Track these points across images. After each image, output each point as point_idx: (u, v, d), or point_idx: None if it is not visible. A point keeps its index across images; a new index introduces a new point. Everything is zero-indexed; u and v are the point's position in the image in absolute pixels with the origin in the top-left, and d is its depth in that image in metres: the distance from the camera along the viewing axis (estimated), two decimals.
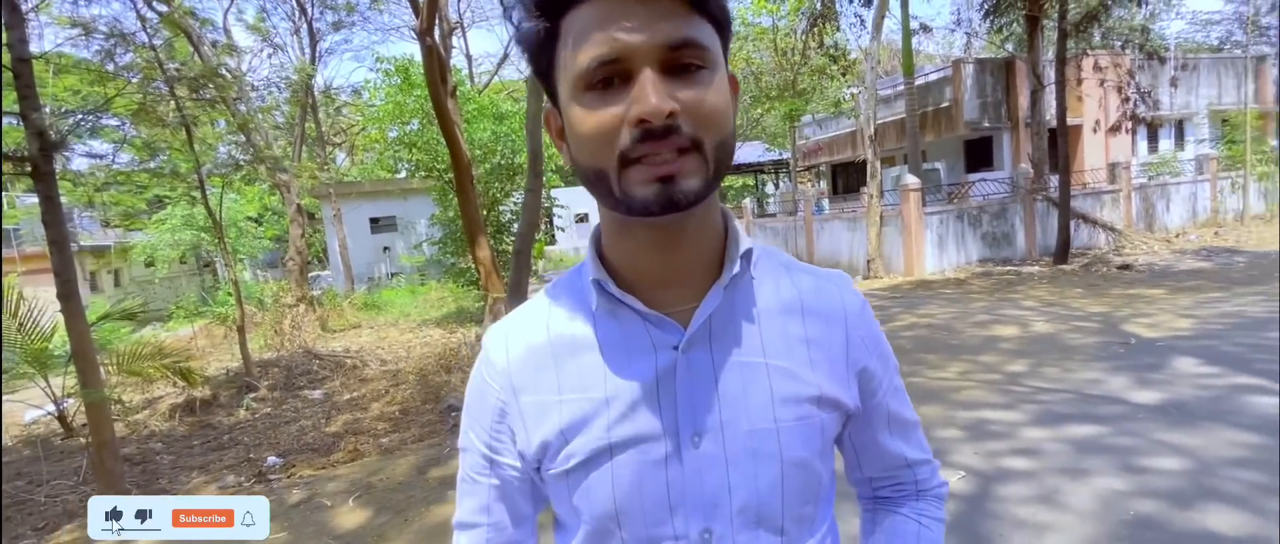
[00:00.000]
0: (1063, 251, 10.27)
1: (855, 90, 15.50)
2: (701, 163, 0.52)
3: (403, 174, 14.50)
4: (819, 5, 14.09)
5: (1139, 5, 10.61)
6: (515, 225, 11.23)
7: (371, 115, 12.09)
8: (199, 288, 19.49)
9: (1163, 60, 11.98)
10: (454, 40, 11.57)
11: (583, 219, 26.82)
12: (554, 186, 14.04)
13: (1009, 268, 10.40)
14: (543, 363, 0.62)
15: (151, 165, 9.13)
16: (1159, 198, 12.96)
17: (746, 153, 21.38)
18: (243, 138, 9.76)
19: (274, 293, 11.67)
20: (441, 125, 7.50)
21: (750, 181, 27.38)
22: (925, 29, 15.03)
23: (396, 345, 9.56)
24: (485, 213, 10.04)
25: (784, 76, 16.41)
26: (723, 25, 0.55)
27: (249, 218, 18.95)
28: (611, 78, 0.51)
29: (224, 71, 8.88)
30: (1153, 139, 16.85)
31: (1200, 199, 13.39)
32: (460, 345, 7.58)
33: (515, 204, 11.62)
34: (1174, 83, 12.72)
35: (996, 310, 7.24)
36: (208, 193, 8.02)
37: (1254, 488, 2.70)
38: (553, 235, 22.87)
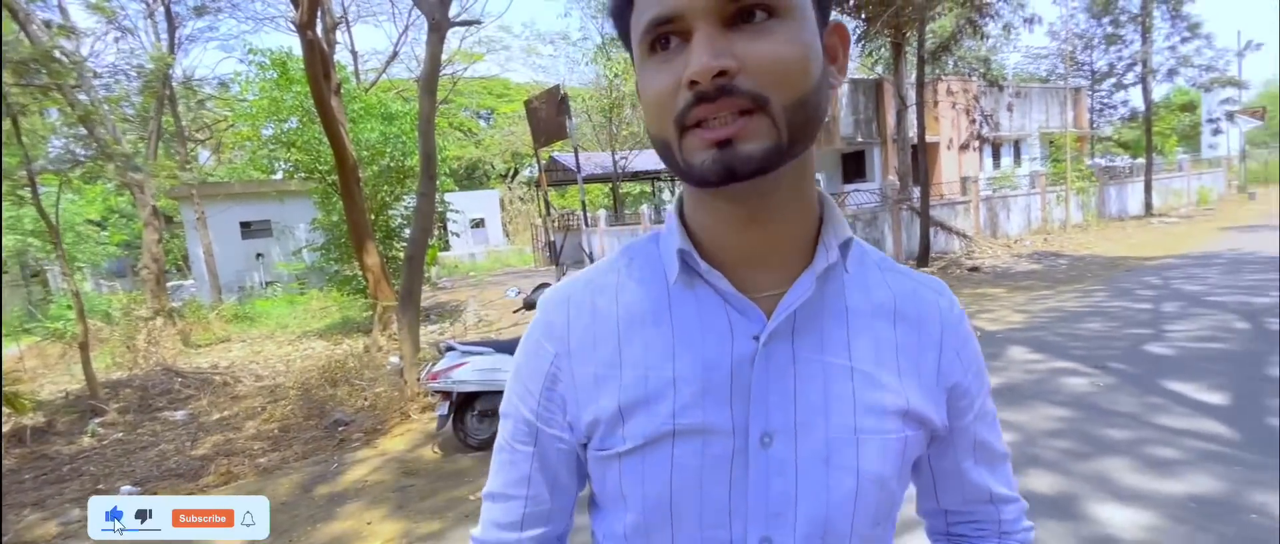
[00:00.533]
0: (924, 255, 11.42)
1: None
2: (768, 125, 0.46)
3: (279, 175, 13.40)
4: None
5: (982, 39, 12.05)
6: (406, 231, 10.77)
7: (243, 111, 11.09)
8: (25, 301, 16.90)
9: (1001, 88, 13.68)
10: (338, 35, 10.92)
11: (479, 224, 26.10)
12: (448, 190, 13.58)
13: None
14: (607, 332, 0.57)
15: None
16: (1001, 208, 14.75)
17: (644, 160, 21.83)
18: (84, 131, 8.66)
19: (124, 305, 10.40)
20: (325, 125, 7.09)
21: (648, 188, 27.92)
22: None
23: (273, 359, 8.86)
24: (373, 217, 9.56)
25: None
26: None
27: (90, 221, 16.72)
28: (669, 38, 0.48)
29: (59, 55, 7.84)
30: (996, 156, 19.16)
31: (1033, 210, 15.39)
32: (347, 357, 7.16)
33: (406, 208, 11.14)
34: (1010, 108, 14.56)
35: None
36: (39, 192, 7.05)
37: (1064, 454, 3.21)
38: (447, 241, 22.08)
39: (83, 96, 9.12)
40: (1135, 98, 19.61)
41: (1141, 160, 18.80)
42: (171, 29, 12.65)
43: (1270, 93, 57.61)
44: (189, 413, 6.38)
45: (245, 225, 17.31)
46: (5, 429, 5.78)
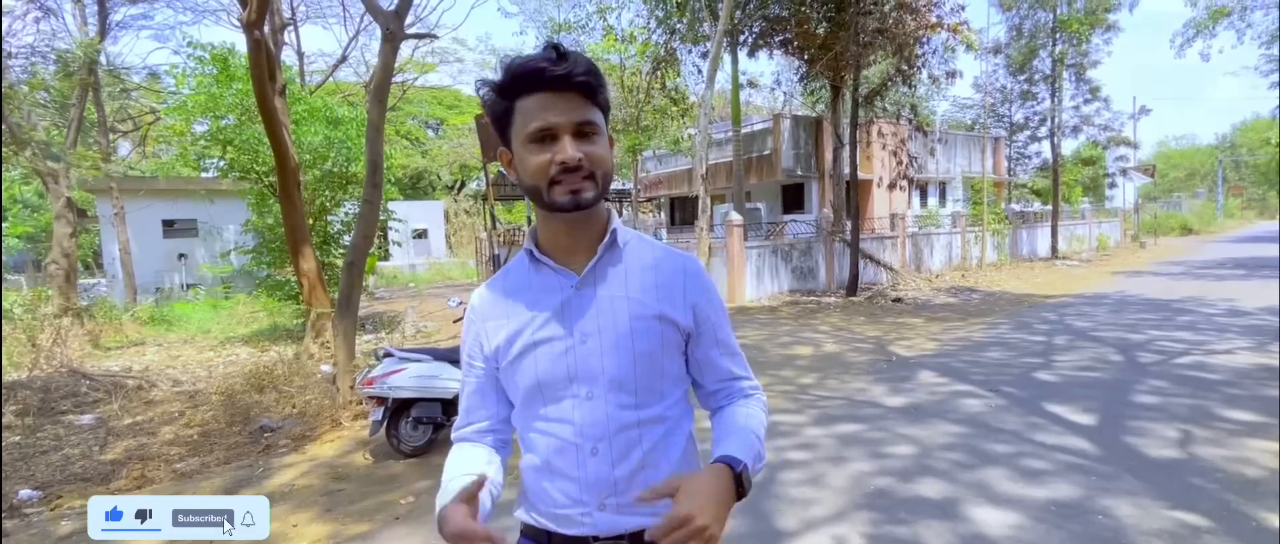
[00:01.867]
0: (853, 285, 12.07)
1: (692, 132, 16.89)
2: (594, 185, 0.93)
3: (211, 173, 12.84)
4: (662, 51, 15.26)
5: (911, 88, 13.00)
6: (345, 237, 10.55)
7: (176, 105, 10.65)
8: None
9: (927, 133, 14.70)
10: (285, 35, 10.71)
11: (422, 235, 25.59)
12: (392, 199, 13.38)
13: (811, 298, 11.96)
14: (498, 301, 1.04)
15: None
16: (925, 245, 15.75)
17: None
18: None
19: (26, 302, 9.70)
20: (267, 125, 6.96)
21: None
22: (752, 84, 16.90)
23: (194, 365, 8.47)
24: (311, 222, 9.34)
25: (629, 112, 17.37)
26: (605, 110, 0.97)
27: None
28: (546, 137, 0.91)
29: None
30: (924, 196, 20.44)
31: (954, 247, 16.50)
32: (275, 364, 6.96)
33: (346, 215, 10.91)
34: (932, 152, 15.62)
35: (798, 333, 8.36)
36: None
37: (953, 464, 3.57)
38: (387, 250, 21.55)
39: None
40: (1047, 150, 21.40)
41: (1050, 207, 20.47)
42: (103, 13, 12.04)
43: (1161, 152, 63.45)
44: (97, 417, 6.06)
45: (168, 224, 16.43)
46: None
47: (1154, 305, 9.28)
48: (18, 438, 5.47)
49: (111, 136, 16.22)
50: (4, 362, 7.82)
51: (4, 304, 10.05)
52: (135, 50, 41.43)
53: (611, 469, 0.97)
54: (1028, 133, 22.93)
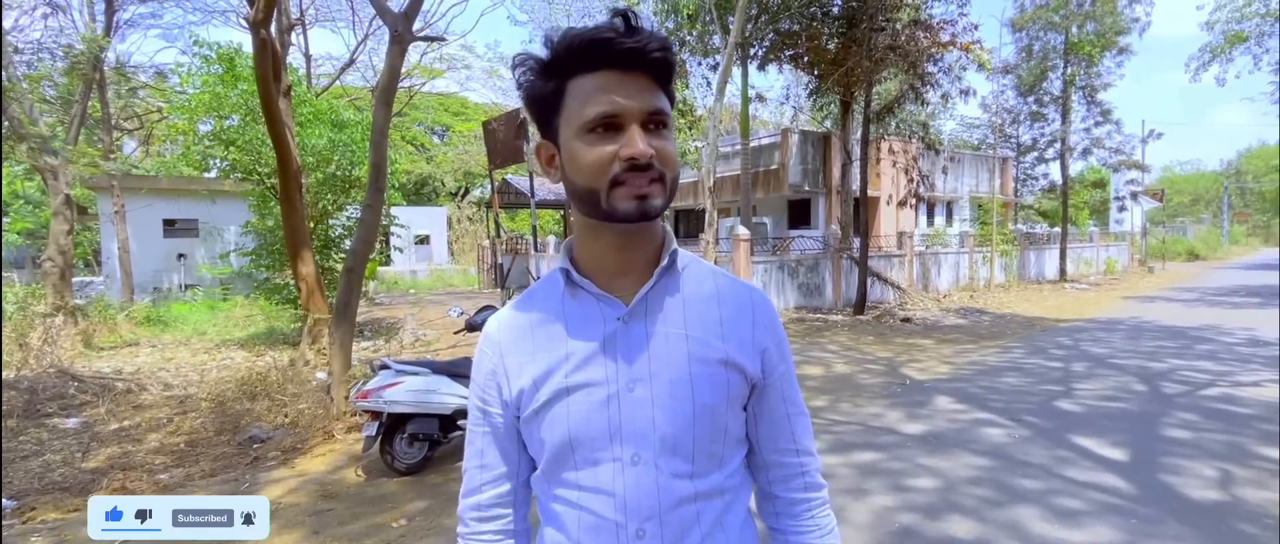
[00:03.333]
0: (861, 304, 11.86)
1: (700, 145, 16.77)
2: (664, 189, 0.74)
3: (213, 173, 12.72)
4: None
5: (922, 105, 12.87)
6: (346, 241, 10.39)
7: (181, 104, 10.53)
8: None
9: (937, 151, 14.57)
10: (292, 37, 10.62)
11: (424, 241, 25.46)
12: (395, 204, 13.25)
13: (818, 315, 11.76)
14: (523, 332, 0.83)
15: None
16: (933, 264, 15.56)
17: None
18: None
19: (20, 298, 9.53)
20: (270, 126, 6.83)
21: None
22: (761, 98, 16.80)
23: (186, 368, 8.28)
24: (312, 226, 9.18)
25: None
26: (673, 100, 0.79)
27: None
28: (609, 126, 0.72)
29: None
30: (931, 215, 20.28)
31: (961, 267, 16.31)
32: (269, 370, 6.76)
33: (348, 219, 10.76)
34: (944, 170, 15.48)
35: (806, 352, 8.15)
36: None
37: (981, 501, 3.36)
38: (388, 256, 21.40)
39: None
40: (1055, 171, 21.26)
41: (1058, 229, 20.28)
42: (110, 11, 11.97)
43: (1168, 177, 63.48)
44: (83, 421, 5.86)
45: (169, 223, 16.29)
46: None
47: (1171, 333, 9.06)
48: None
49: (117, 135, 16.15)
50: (3, 362, 7.64)
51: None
52: (143, 49, 41.60)
53: None
54: (1035, 154, 22.82)
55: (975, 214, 21.05)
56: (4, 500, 3.96)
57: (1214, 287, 16.49)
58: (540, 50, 0.76)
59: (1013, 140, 23.00)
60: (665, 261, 0.80)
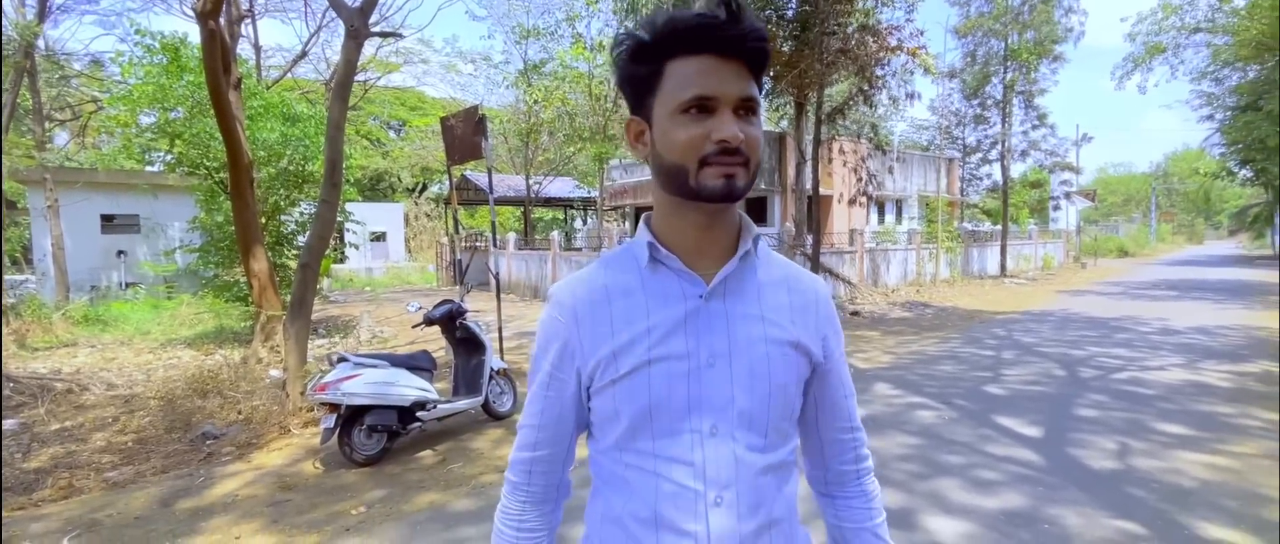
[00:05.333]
0: None
1: None
2: (748, 173, 0.78)
3: (157, 167, 12.27)
4: None
5: (871, 107, 13.39)
6: (299, 238, 10.21)
7: (122, 94, 10.15)
8: None
9: (885, 152, 15.16)
10: (242, 27, 10.35)
11: (380, 237, 24.98)
12: (351, 199, 13.03)
13: None
14: (600, 303, 0.85)
15: None
16: (882, 260, 16.18)
17: (557, 187, 21.96)
18: None
19: None
20: (220, 120, 6.71)
21: (560, 215, 27.99)
22: None
23: (130, 367, 8.04)
24: (264, 222, 9.01)
25: (596, 120, 17.37)
26: (763, 89, 0.83)
27: None
28: (703, 108, 0.76)
29: None
30: (882, 213, 21.03)
31: (909, 263, 17.00)
32: (221, 367, 6.66)
33: (302, 215, 10.57)
34: (890, 170, 16.10)
35: None
36: None
37: (909, 475, 3.65)
38: (343, 253, 20.93)
39: None
40: (998, 172, 22.31)
41: (1000, 227, 21.32)
42: None
43: (1101, 178, 66.89)
44: (21, 422, 5.68)
45: (107, 219, 15.60)
46: None
47: (1095, 323, 9.73)
48: None
49: (48, 125, 15.35)
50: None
51: None
52: (78, 36, 39.41)
53: (738, 523, 0.81)
54: (980, 155, 23.88)
55: (923, 212, 21.93)
56: None
57: (1138, 281, 17.64)
58: (641, 31, 0.79)
59: (959, 142, 24.03)
60: (748, 246, 0.84)
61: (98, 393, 6.66)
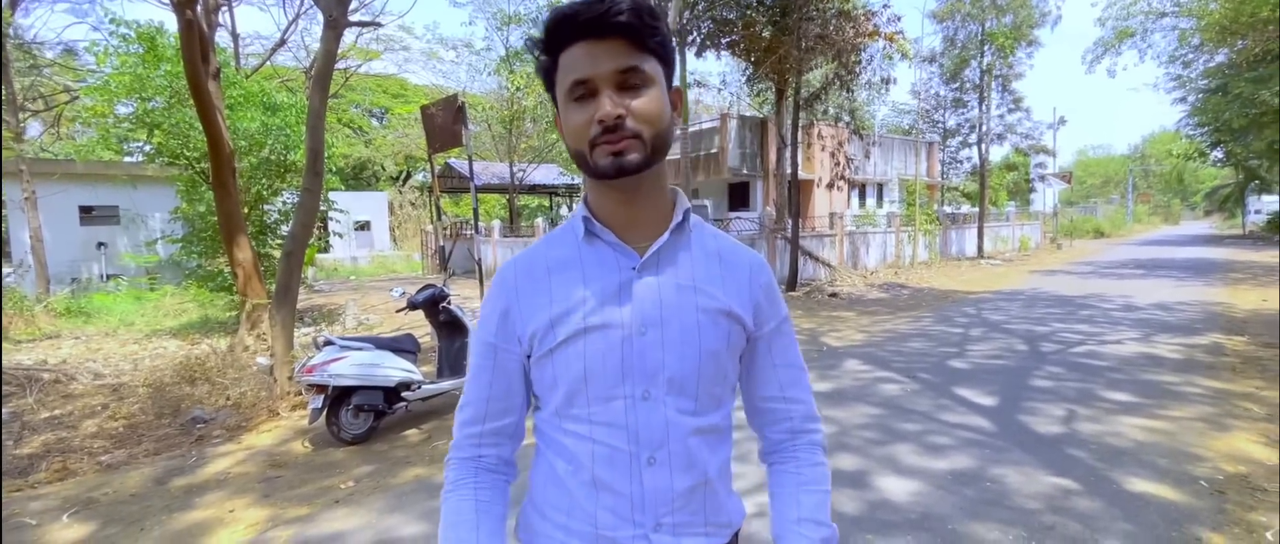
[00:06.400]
0: (793, 281, 12.55)
1: None
2: (641, 147, 0.79)
3: (136, 158, 12.18)
4: None
5: (848, 93, 13.60)
6: (282, 227, 10.24)
7: (98, 84, 10.07)
8: None
9: (863, 136, 15.39)
10: (219, 15, 10.28)
11: (364, 226, 24.88)
12: (334, 189, 13.03)
13: None
14: (540, 276, 0.89)
15: None
16: (862, 243, 16.48)
17: (541, 174, 21.99)
18: None
19: None
20: (200, 110, 6.74)
21: (545, 202, 28.02)
22: (701, 84, 17.26)
23: (116, 358, 8.10)
24: (247, 211, 9.04)
25: None
26: (664, 58, 0.83)
27: None
28: (584, 93, 0.79)
29: None
30: (862, 196, 21.33)
31: (889, 246, 17.33)
32: (208, 355, 6.76)
33: (284, 204, 10.59)
34: (867, 154, 16.35)
35: None
36: None
37: (867, 441, 3.89)
38: (327, 242, 20.86)
39: None
40: (977, 155, 22.69)
41: (979, 209, 21.73)
42: None
43: (1081, 160, 67.80)
44: (10, 412, 5.77)
45: (86, 210, 15.46)
46: None
47: (1061, 301, 10.07)
48: None
49: (22, 116, 15.12)
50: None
51: None
52: (49, 25, 38.43)
53: (671, 481, 0.86)
54: (959, 139, 24.23)
55: (903, 196, 22.27)
56: None
57: (1108, 261, 18.12)
58: (540, 28, 0.83)
59: (939, 126, 24.35)
60: (679, 219, 0.88)
61: (85, 382, 6.74)
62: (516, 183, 20.17)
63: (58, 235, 14.67)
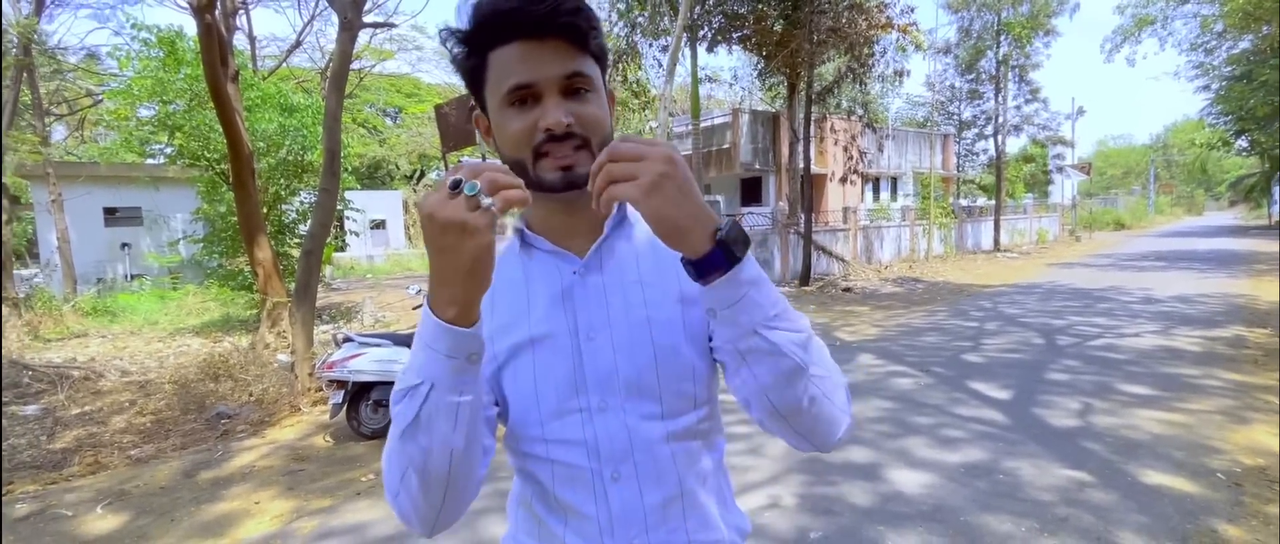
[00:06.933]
0: (805, 276, 12.53)
1: (653, 125, 17.12)
2: (589, 156, 0.73)
3: (158, 160, 12.42)
4: (624, 44, 15.42)
5: (861, 86, 13.52)
6: (300, 227, 10.41)
7: (121, 88, 10.29)
8: None
9: (876, 129, 15.29)
10: (237, 19, 10.46)
11: (380, 225, 25.16)
12: (349, 188, 13.21)
13: None
14: (487, 295, 0.78)
15: None
16: (876, 237, 16.39)
17: None
18: None
19: None
20: (220, 113, 6.88)
21: None
22: (712, 79, 17.22)
23: (142, 355, 8.31)
24: (265, 211, 9.21)
25: None
26: (601, 59, 0.77)
27: None
28: (526, 97, 0.72)
29: None
30: (876, 190, 21.19)
31: (903, 240, 17.21)
32: (230, 353, 6.92)
33: (302, 204, 10.77)
34: (880, 147, 16.24)
35: None
36: None
37: (879, 434, 3.91)
38: (344, 241, 21.13)
39: None
40: (993, 147, 22.43)
41: (995, 202, 21.49)
42: None
43: (1101, 151, 66.64)
44: (43, 407, 5.95)
45: (110, 212, 15.80)
46: None
47: (1079, 294, 9.96)
48: None
49: (48, 120, 15.49)
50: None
51: None
52: (73, 30, 39.25)
53: (640, 497, 0.77)
54: (975, 130, 23.97)
55: (918, 189, 22.10)
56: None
57: (1128, 252, 17.84)
58: (461, 21, 0.74)
59: (955, 118, 24.10)
60: (617, 216, 0.81)
61: (113, 380, 6.93)
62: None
63: (83, 237, 15.02)
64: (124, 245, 15.81)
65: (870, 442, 3.78)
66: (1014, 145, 25.60)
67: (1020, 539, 2.65)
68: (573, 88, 0.73)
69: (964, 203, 22.11)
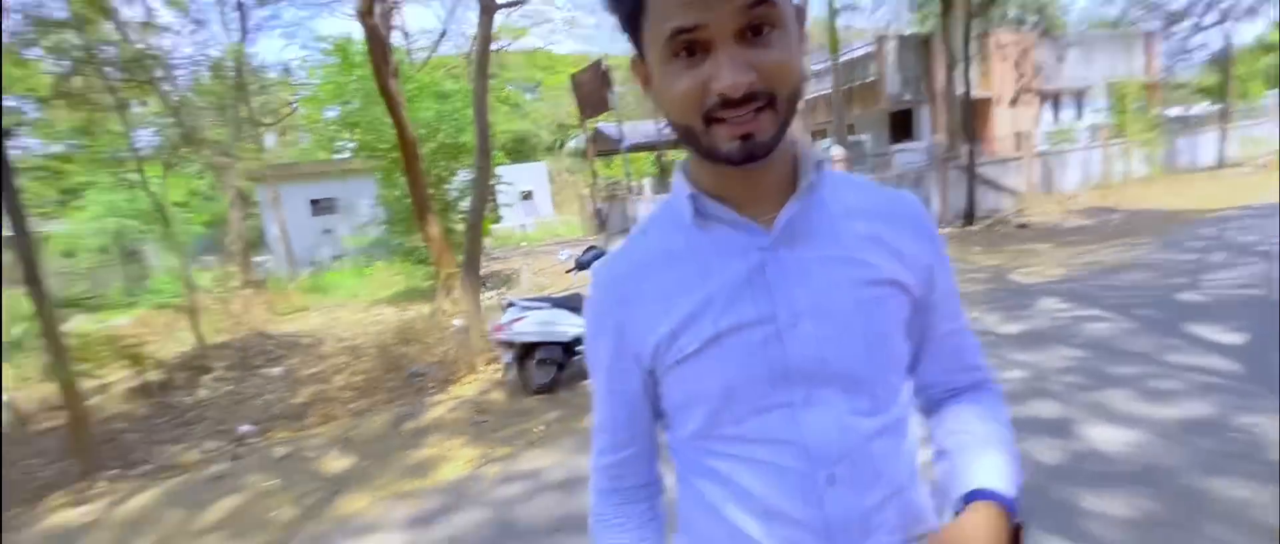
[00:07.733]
0: (970, 214, 11.34)
1: None
2: (774, 117, 0.60)
3: (345, 155, 14.29)
4: None
5: None
6: (461, 204, 11.43)
7: (309, 95, 11.91)
8: (124, 277, 18.64)
9: (1056, 38, 13.15)
10: (393, 18, 11.52)
11: (528, 196, 26.85)
12: (499, 163, 14.20)
13: None
14: (645, 275, 0.71)
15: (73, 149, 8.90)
16: (1058, 163, 14.30)
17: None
18: (172, 119, 9.58)
19: (217, 278, 11.53)
20: (388, 106, 7.65)
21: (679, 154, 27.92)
22: (852, 7, 15.85)
23: (350, 325, 9.73)
24: (431, 191, 10.22)
25: None
26: None
27: (175, 203, 18.26)
28: (692, 46, 0.58)
29: (152, 50, 8.69)
30: (1057, 108, 18.38)
31: (1093, 164, 14.84)
32: (416, 320, 7.87)
33: (460, 182, 11.79)
34: (1061, 58, 13.96)
35: None
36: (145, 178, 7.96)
37: (1069, 386, 3.48)
38: (498, 213, 22.88)
39: (166, 87, 10.04)
40: (1216, 40, 18.33)
41: (1221, 107, 17.70)
42: (243, 19, 13.54)
43: None
44: (284, 369, 7.24)
45: (314, 203, 18.53)
46: (133, 384, 6.74)
47: None
48: (230, 387, 6.72)
49: (259, 129, 18.38)
50: (210, 326, 9.43)
51: (198, 282, 11.99)
52: (269, 50, 45.90)
53: (859, 500, 0.69)
54: (1192, 21, 19.70)
55: (1112, 102, 18.80)
56: (246, 426, 5.15)
57: None
58: None
59: (1159, 10, 19.98)
60: (812, 177, 0.68)
61: (331, 346, 8.23)
62: (664, 139, 20.32)
63: (296, 226, 17.81)
64: (327, 231, 18.50)
65: (1058, 394, 3.39)
66: (1248, 32, 20.72)
67: (1261, 507, 2.25)
68: (754, 24, 0.58)
69: (1175, 113, 18.45)
